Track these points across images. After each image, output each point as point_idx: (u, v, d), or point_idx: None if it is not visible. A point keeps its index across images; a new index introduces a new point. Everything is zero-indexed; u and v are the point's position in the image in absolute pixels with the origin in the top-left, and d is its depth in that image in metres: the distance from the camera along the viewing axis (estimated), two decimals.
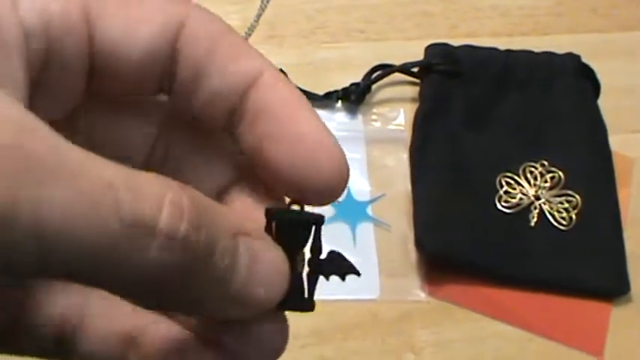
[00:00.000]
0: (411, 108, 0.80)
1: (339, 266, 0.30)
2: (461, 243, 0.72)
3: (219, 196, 0.31)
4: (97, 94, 0.30)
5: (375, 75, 0.80)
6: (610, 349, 0.71)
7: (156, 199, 0.24)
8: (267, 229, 0.29)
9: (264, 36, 0.83)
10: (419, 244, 0.72)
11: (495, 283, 0.72)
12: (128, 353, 0.30)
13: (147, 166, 0.32)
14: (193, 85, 0.29)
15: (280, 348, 0.29)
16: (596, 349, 0.70)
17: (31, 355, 0.31)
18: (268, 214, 0.29)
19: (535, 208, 0.75)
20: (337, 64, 0.83)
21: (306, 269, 0.30)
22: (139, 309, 0.31)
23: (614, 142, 0.79)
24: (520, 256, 0.73)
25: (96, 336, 0.31)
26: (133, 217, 0.23)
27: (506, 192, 0.76)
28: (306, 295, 0.29)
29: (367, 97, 0.80)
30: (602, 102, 0.81)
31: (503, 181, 0.76)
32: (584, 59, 0.82)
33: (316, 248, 0.30)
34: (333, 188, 0.29)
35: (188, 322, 0.32)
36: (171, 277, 0.24)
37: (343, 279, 0.30)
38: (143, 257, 0.23)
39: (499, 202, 0.75)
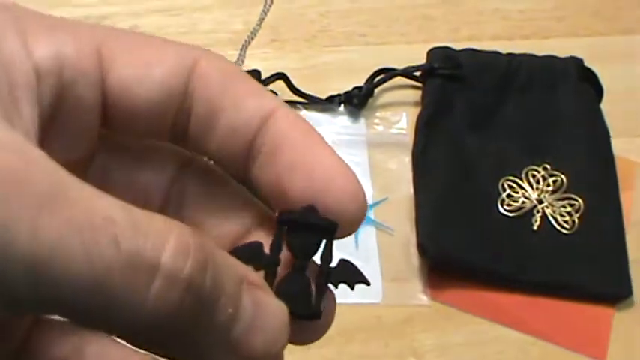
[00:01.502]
0: (414, 112, 0.80)
1: (349, 275, 0.30)
2: (463, 247, 0.72)
3: (235, 243, 0.31)
4: (111, 141, 0.30)
5: (377, 79, 0.80)
6: (612, 353, 0.71)
7: (159, 236, 0.23)
8: (278, 232, 0.29)
9: (266, 40, 0.83)
10: (421, 247, 0.72)
11: (498, 286, 0.72)
12: None
13: (162, 212, 0.31)
14: (209, 122, 0.29)
15: None
16: (598, 353, 0.70)
17: None
18: (281, 218, 0.29)
19: (537, 212, 0.75)
20: (339, 68, 0.83)
21: (315, 277, 0.29)
22: (136, 350, 0.30)
23: (617, 145, 0.79)
24: (522, 260, 0.73)
25: None
26: (132, 252, 0.23)
27: (508, 196, 0.76)
28: (313, 303, 0.29)
29: (370, 100, 0.80)
30: (604, 106, 0.81)
31: (505, 184, 0.76)
32: (586, 63, 0.82)
33: (327, 256, 0.29)
34: (350, 218, 0.29)
35: None
36: (172, 321, 0.24)
37: (352, 288, 0.30)
38: (142, 296, 0.23)
39: (501, 205, 0.75)
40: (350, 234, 0.30)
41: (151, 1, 0.83)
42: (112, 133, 0.30)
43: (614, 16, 0.90)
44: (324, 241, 0.29)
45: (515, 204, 0.75)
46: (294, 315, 0.28)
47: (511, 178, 0.76)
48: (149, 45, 0.29)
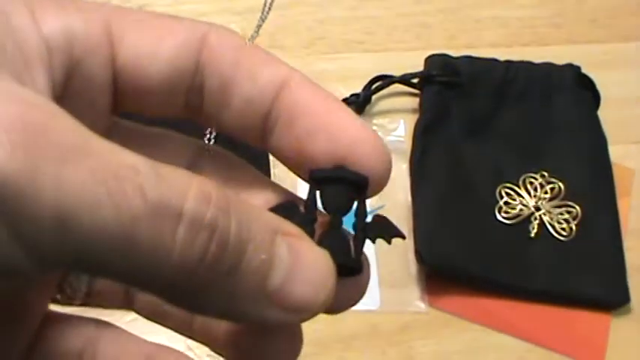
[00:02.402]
0: (411, 119, 0.80)
1: (385, 229, 0.30)
2: (461, 254, 0.72)
3: None
4: (125, 128, 0.30)
5: (374, 86, 0.80)
6: None
7: (182, 185, 0.23)
8: (312, 190, 0.29)
9: (264, 47, 0.82)
10: (419, 255, 0.72)
11: (495, 293, 0.72)
12: None
13: None
14: (224, 96, 0.29)
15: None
16: None
17: None
18: (314, 176, 0.29)
19: (535, 219, 0.75)
20: (337, 75, 0.83)
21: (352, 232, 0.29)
22: (148, 341, 0.30)
23: (614, 152, 0.79)
24: (520, 267, 0.73)
25: None
26: (157, 199, 0.23)
27: (506, 203, 0.76)
28: (353, 257, 0.29)
29: (367, 107, 0.80)
30: (601, 113, 0.81)
31: (503, 192, 0.76)
32: (583, 70, 0.82)
33: (362, 211, 0.29)
34: (378, 175, 0.29)
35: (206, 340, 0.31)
36: (200, 270, 0.23)
37: (389, 242, 0.30)
38: (169, 245, 0.23)
39: (499, 213, 0.75)
40: (376, 194, 0.29)
41: (148, 7, 0.83)
42: (124, 116, 0.30)
43: (611, 24, 0.90)
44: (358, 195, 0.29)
45: (513, 211, 0.75)
46: (339, 269, 0.27)
47: (509, 185, 0.76)
48: (157, 21, 0.29)
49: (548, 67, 0.82)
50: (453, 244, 0.72)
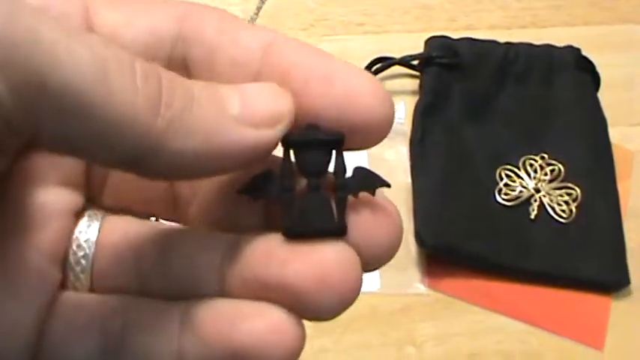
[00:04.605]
0: (411, 101, 0.80)
1: (367, 181, 0.29)
2: (461, 236, 0.72)
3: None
4: None
5: (374, 68, 0.80)
6: (610, 342, 0.71)
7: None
8: (286, 157, 0.28)
9: None
10: (419, 237, 0.72)
11: (495, 276, 0.72)
12: None
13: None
14: (209, 64, 0.29)
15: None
16: (596, 342, 0.71)
17: None
18: (285, 141, 0.28)
19: (535, 201, 0.75)
20: (337, 56, 0.82)
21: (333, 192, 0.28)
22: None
23: (614, 134, 0.79)
24: (520, 249, 0.73)
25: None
26: (116, 51, 0.24)
27: (506, 185, 0.76)
28: (336, 219, 0.28)
29: None
30: (601, 95, 0.81)
31: (503, 173, 0.76)
32: (583, 52, 0.82)
33: (340, 168, 0.28)
34: (380, 119, 0.28)
35: None
36: (161, 109, 0.24)
37: (373, 193, 0.29)
38: (132, 86, 0.24)
39: (499, 195, 0.75)
40: (381, 140, 0.29)
41: None
42: None
43: (611, 6, 0.90)
44: (334, 156, 0.28)
45: (513, 193, 0.75)
46: (320, 234, 0.27)
47: (508, 167, 0.76)
48: (135, 1, 0.30)
49: (549, 49, 0.82)
50: (453, 226, 0.72)
